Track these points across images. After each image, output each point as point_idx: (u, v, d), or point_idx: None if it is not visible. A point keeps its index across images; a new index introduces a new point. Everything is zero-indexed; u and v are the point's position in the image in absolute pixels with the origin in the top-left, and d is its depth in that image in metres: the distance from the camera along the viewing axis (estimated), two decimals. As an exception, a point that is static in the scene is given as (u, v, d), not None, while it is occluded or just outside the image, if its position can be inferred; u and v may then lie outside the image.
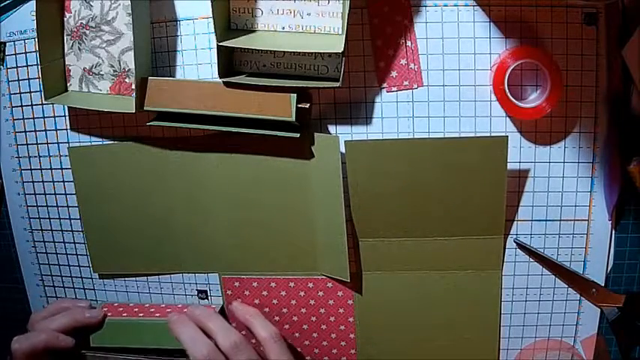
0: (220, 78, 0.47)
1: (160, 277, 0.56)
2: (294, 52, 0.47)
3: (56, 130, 0.55)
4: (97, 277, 0.58)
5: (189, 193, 0.53)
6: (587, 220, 0.50)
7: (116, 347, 0.54)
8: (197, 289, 0.56)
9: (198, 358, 0.48)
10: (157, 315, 0.55)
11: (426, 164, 0.48)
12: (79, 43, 0.51)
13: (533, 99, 0.48)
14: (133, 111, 0.48)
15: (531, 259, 0.51)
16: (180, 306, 0.56)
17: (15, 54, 0.54)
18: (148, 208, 0.54)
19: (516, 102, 0.47)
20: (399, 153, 0.48)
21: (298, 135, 0.47)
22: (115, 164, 0.54)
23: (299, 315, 0.55)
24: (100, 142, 0.54)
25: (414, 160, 0.48)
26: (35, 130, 0.56)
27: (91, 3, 0.50)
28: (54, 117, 0.55)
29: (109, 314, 0.55)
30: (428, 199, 0.49)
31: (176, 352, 0.52)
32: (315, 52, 0.47)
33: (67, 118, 0.55)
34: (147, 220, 0.54)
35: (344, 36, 0.44)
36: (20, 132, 0.56)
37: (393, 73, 0.49)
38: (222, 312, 0.56)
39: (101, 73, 0.51)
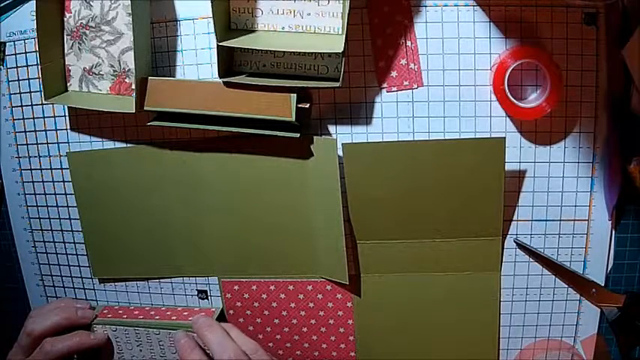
0: (220, 78, 0.47)
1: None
2: (294, 52, 0.47)
3: (56, 130, 0.55)
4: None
5: (188, 196, 0.53)
6: (587, 220, 0.50)
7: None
8: (197, 289, 0.56)
9: None
10: (157, 318, 0.55)
11: (423, 166, 0.48)
12: (79, 43, 0.51)
13: (533, 99, 0.48)
14: (133, 111, 0.48)
15: (531, 259, 0.51)
16: (180, 309, 0.56)
17: (15, 54, 0.54)
18: (146, 212, 0.54)
19: (516, 102, 0.46)
20: (396, 155, 0.48)
21: (298, 135, 0.47)
22: (113, 169, 0.54)
23: (298, 318, 0.55)
24: (100, 143, 0.54)
25: (411, 162, 0.48)
26: (35, 130, 0.56)
27: (91, 3, 0.50)
28: (54, 117, 0.55)
29: (109, 317, 0.55)
30: (425, 201, 0.49)
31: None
32: (315, 52, 0.47)
33: (67, 118, 0.55)
34: (146, 224, 0.54)
35: (344, 36, 0.44)
36: (20, 132, 0.56)
37: (393, 73, 0.49)
38: (222, 314, 0.56)
39: (101, 73, 0.51)
